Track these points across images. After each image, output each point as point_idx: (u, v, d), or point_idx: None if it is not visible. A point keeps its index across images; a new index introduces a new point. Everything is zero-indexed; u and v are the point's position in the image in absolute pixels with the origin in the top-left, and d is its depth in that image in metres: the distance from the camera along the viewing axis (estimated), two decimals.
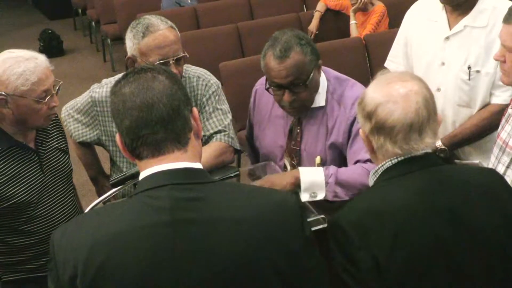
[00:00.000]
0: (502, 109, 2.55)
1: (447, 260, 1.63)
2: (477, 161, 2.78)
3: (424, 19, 2.99)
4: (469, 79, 2.80)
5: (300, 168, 2.40)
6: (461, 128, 2.86)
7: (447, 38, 2.86)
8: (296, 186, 2.36)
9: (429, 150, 1.72)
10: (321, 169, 2.39)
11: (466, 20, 2.80)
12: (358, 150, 2.38)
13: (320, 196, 2.36)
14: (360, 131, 1.78)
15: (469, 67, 2.79)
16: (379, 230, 1.61)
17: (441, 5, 2.88)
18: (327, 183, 2.35)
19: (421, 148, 1.69)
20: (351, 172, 2.37)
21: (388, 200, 1.67)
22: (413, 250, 1.61)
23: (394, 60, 3.19)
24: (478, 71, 2.77)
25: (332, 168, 2.39)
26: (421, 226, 1.63)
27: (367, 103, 1.71)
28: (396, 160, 1.71)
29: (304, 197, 2.35)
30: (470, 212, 1.68)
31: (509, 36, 2.17)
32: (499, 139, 2.34)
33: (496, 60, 2.30)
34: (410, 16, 3.11)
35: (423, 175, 1.70)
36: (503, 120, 2.38)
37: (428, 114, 1.68)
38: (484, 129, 2.79)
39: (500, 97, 2.73)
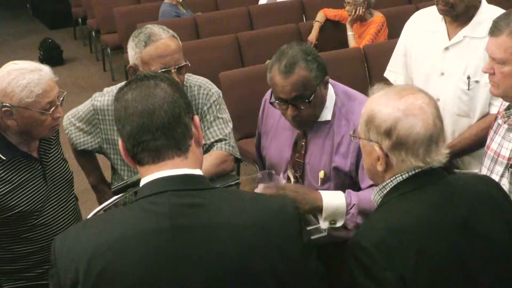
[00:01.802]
0: None
1: (464, 272, 1.64)
2: (476, 171, 2.79)
3: (423, 30, 3.01)
4: (468, 89, 2.82)
5: (322, 194, 2.31)
6: (460, 138, 2.88)
7: (447, 48, 2.88)
8: (317, 211, 2.31)
9: (443, 161, 1.71)
10: (342, 194, 2.32)
11: (465, 30, 2.83)
12: None
13: (339, 224, 2.30)
14: (376, 148, 1.71)
15: (468, 77, 2.80)
16: (402, 248, 1.60)
17: (440, 16, 2.90)
18: (348, 212, 2.29)
19: (439, 159, 1.69)
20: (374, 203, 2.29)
21: (406, 217, 1.66)
22: (437, 265, 1.61)
23: (393, 70, 3.21)
24: (477, 81, 2.79)
25: (354, 196, 2.31)
26: (442, 241, 1.63)
27: (383, 119, 1.68)
28: (407, 174, 1.70)
29: (324, 225, 2.29)
30: (480, 223, 1.69)
31: (496, 48, 2.19)
32: (490, 150, 2.35)
33: (485, 72, 2.31)
34: (410, 27, 3.13)
35: (435, 189, 1.70)
36: (492, 132, 2.39)
37: (441, 124, 1.70)
38: (483, 139, 2.79)
39: (498, 107, 2.75)
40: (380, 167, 1.73)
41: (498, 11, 2.79)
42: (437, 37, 2.92)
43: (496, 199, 1.77)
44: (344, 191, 2.40)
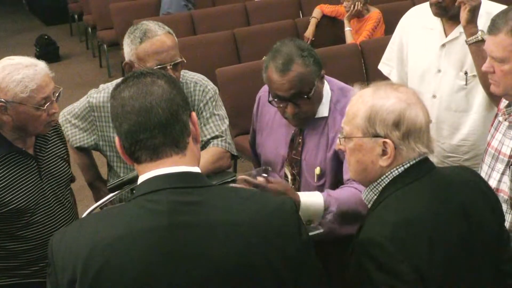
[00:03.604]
0: None
1: (468, 258, 1.67)
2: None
3: (419, 27, 3.01)
4: (466, 85, 2.82)
5: (301, 195, 2.25)
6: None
7: (443, 45, 2.88)
8: None
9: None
10: (321, 198, 2.25)
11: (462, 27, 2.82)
12: None
13: (315, 224, 2.26)
14: (384, 141, 1.71)
15: (465, 73, 2.81)
16: (414, 240, 1.62)
17: None
18: (325, 217, 2.24)
19: (434, 146, 1.74)
20: (352, 204, 2.22)
21: (413, 209, 1.68)
22: (448, 253, 1.64)
23: (388, 63, 3.21)
24: (475, 76, 2.80)
25: (334, 202, 2.24)
26: (448, 229, 1.66)
27: (389, 110, 1.69)
28: (402, 168, 1.72)
29: None
30: (474, 209, 1.74)
31: (495, 46, 2.18)
32: (491, 147, 2.35)
33: (484, 71, 2.31)
34: (405, 23, 3.13)
35: (431, 180, 1.73)
36: (493, 129, 2.39)
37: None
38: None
39: None
40: (385, 162, 1.73)
41: (493, 5, 2.82)
42: (434, 34, 2.92)
43: (480, 187, 1.83)
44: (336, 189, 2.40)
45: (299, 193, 2.29)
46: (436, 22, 2.92)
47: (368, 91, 1.78)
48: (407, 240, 1.61)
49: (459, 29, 2.83)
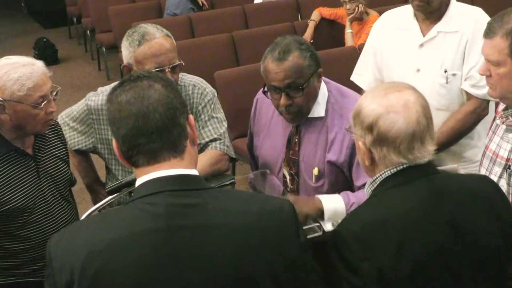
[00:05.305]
0: (476, 108, 2.63)
1: (447, 268, 1.65)
2: (455, 165, 2.79)
3: (394, 29, 3.03)
4: (446, 83, 2.84)
5: (321, 198, 2.35)
6: (439, 133, 2.81)
7: (421, 45, 2.91)
8: (319, 216, 2.34)
9: (431, 158, 1.73)
10: (339, 196, 2.36)
11: (439, 26, 2.87)
12: None
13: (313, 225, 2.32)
14: (360, 143, 1.76)
15: (445, 71, 2.83)
16: (382, 241, 1.62)
17: (411, 14, 2.94)
18: (348, 211, 2.30)
19: (424, 156, 1.70)
20: None
21: (390, 211, 1.68)
22: (417, 260, 1.62)
23: (360, 73, 3.22)
24: (454, 74, 2.83)
25: (352, 196, 2.35)
26: (424, 236, 1.64)
27: (366, 115, 1.71)
28: (395, 169, 1.72)
29: (328, 226, 2.31)
30: (468, 220, 1.70)
31: (491, 50, 2.19)
32: (489, 150, 2.35)
33: (481, 75, 2.32)
34: (378, 28, 3.16)
35: (422, 184, 1.71)
36: (490, 132, 2.39)
37: (427, 122, 1.71)
38: (461, 131, 2.83)
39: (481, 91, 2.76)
40: (366, 162, 1.77)
41: (466, 7, 2.90)
42: (410, 35, 2.94)
43: (490, 198, 1.78)
44: (339, 192, 2.41)
45: (321, 199, 2.35)
46: (412, 23, 2.95)
47: (367, 91, 1.81)
48: (374, 240, 1.62)
49: (437, 28, 2.88)
